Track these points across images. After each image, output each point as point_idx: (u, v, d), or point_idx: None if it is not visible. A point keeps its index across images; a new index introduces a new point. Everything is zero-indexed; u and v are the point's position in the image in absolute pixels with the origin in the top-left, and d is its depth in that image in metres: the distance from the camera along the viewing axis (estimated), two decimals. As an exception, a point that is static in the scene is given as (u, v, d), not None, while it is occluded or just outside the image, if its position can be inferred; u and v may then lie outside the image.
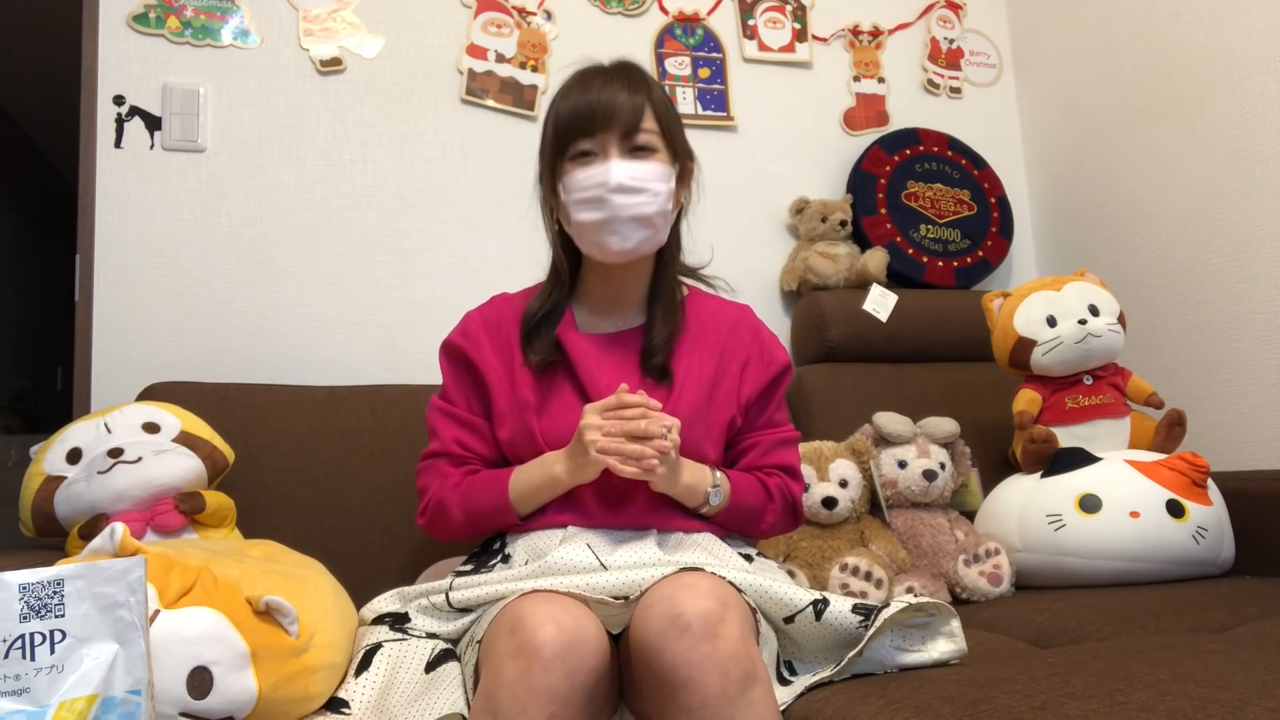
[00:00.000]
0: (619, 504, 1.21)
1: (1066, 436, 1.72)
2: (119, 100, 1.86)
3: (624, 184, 1.19)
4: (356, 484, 1.64)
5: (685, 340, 1.31)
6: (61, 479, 1.36)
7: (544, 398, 1.26)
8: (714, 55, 2.26)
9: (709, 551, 1.20)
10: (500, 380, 1.28)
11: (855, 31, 2.39)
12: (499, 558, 1.23)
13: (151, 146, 1.87)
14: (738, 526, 1.28)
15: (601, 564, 1.12)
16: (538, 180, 1.31)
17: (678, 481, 1.19)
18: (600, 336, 1.30)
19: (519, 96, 2.08)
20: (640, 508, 1.21)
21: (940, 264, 2.24)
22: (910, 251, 2.22)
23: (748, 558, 1.25)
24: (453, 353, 1.33)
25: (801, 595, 1.09)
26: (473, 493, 1.23)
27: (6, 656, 0.78)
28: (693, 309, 1.34)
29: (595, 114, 1.21)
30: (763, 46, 2.30)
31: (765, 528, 1.29)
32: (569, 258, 1.32)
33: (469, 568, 1.24)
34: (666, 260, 1.32)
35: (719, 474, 1.24)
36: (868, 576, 1.50)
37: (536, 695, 0.90)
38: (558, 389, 1.26)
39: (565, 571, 1.11)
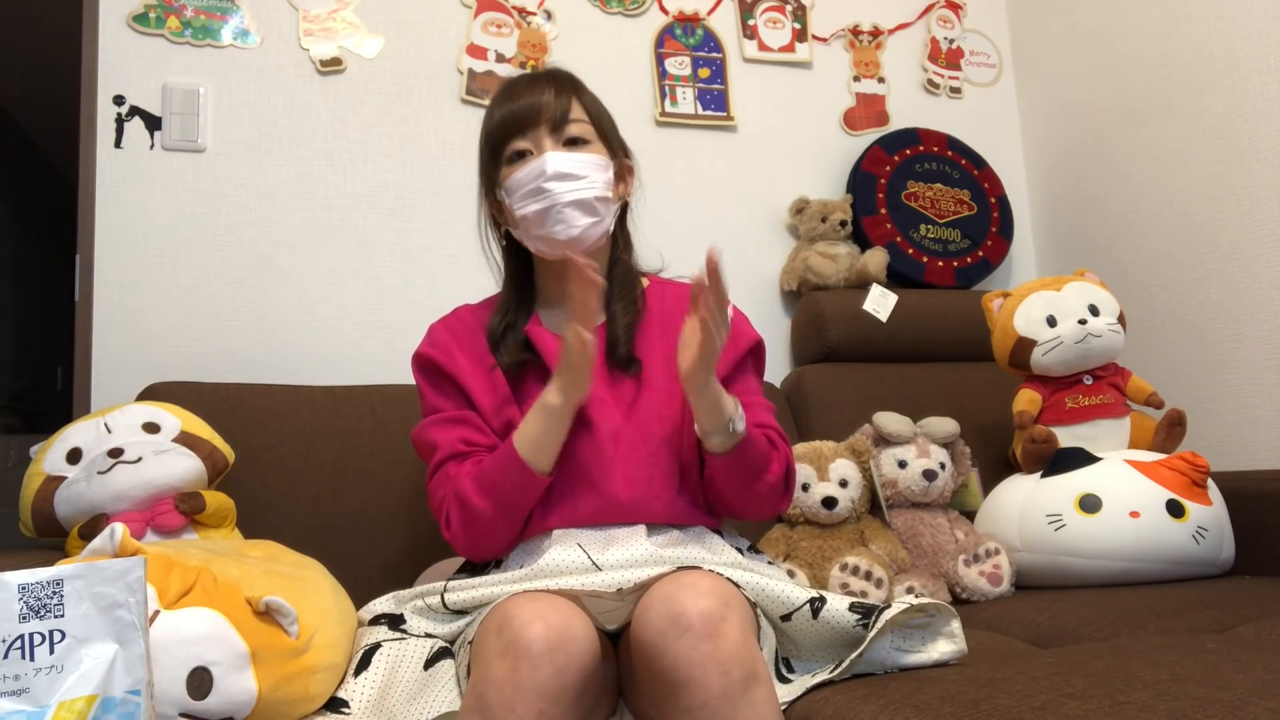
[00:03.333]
0: (604, 496, 1.18)
1: (1066, 436, 1.72)
2: (119, 100, 1.86)
3: (561, 171, 1.20)
4: (356, 484, 1.64)
5: (650, 328, 1.29)
6: (61, 479, 1.36)
7: (522, 397, 1.24)
8: (714, 55, 2.26)
9: (703, 545, 1.20)
10: (478, 381, 1.26)
11: (855, 31, 2.39)
12: (493, 563, 1.23)
13: (151, 146, 1.87)
14: (741, 477, 1.20)
15: (595, 565, 1.12)
16: (479, 200, 1.32)
17: (709, 381, 1.13)
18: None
19: (519, 96, 2.08)
20: (625, 499, 1.18)
21: (940, 264, 2.24)
22: (910, 251, 2.22)
23: (738, 553, 1.24)
24: (424, 363, 1.29)
25: (799, 593, 1.09)
26: (485, 473, 1.18)
27: (6, 657, 0.78)
28: (655, 297, 1.33)
29: (524, 113, 1.23)
30: (763, 46, 2.30)
31: (770, 481, 1.21)
32: (522, 267, 1.33)
33: (463, 574, 1.24)
34: (618, 254, 1.32)
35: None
36: (868, 576, 1.50)
37: (525, 693, 0.90)
38: (532, 387, 1.24)
39: (559, 574, 1.11)
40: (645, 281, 1.36)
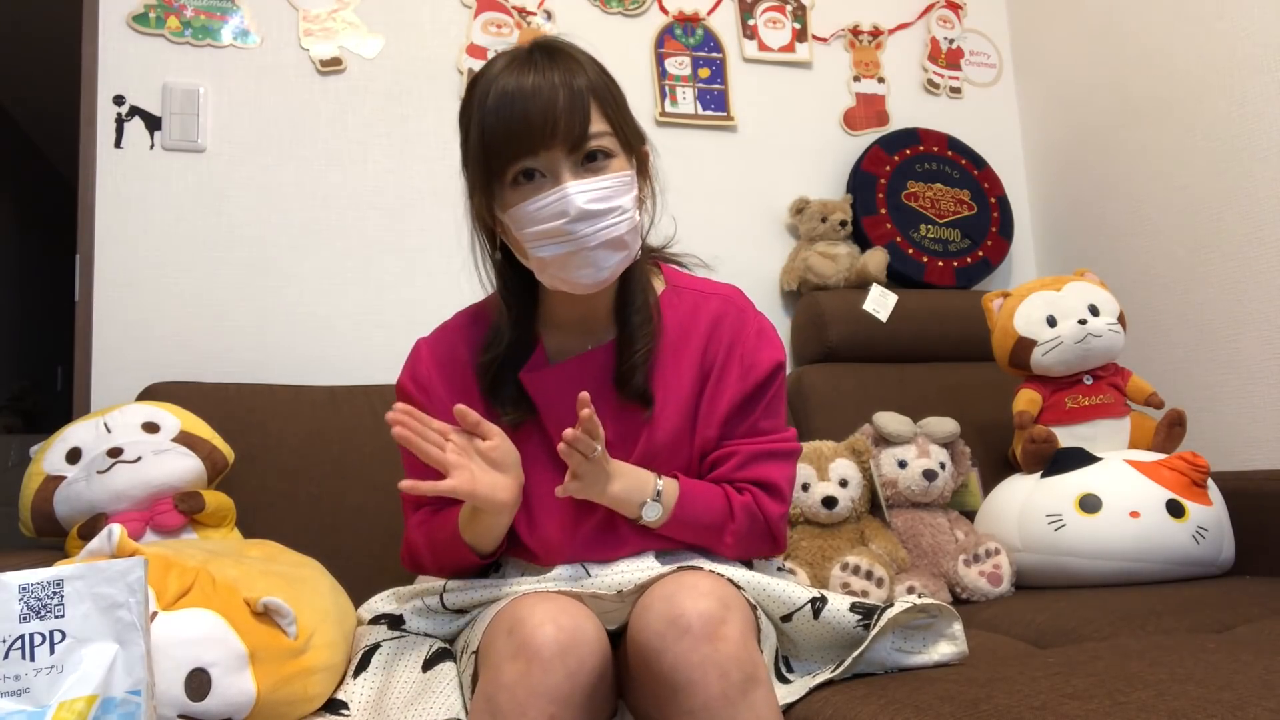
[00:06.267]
0: (608, 535, 1.13)
1: (1066, 436, 1.72)
2: (119, 100, 1.86)
3: (586, 210, 1.02)
4: (356, 484, 1.64)
5: (663, 352, 1.15)
6: (61, 479, 1.37)
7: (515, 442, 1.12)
8: (714, 55, 2.26)
9: (710, 555, 1.19)
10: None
11: (855, 31, 2.39)
12: (492, 568, 1.21)
13: (151, 146, 1.87)
14: (694, 540, 1.14)
15: (590, 576, 1.11)
16: (467, 197, 1.12)
17: (605, 491, 1.07)
18: (570, 363, 1.15)
19: (519, 96, 2.08)
20: (630, 539, 1.13)
21: (940, 264, 2.24)
22: (910, 251, 2.22)
23: (747, 564, 1.24)
24: (403, 396, 1.18)
25: (800, 593, 1.08)
26: (434, 540, 1.14)
27: (6, 657, 0.78)
28: (669, 308, 1.18)
29: (532, 128, 1.01)
30: (763, 46, 2.30)
31: (725, 549, 1.13)
32: (523, 285, 1.15)
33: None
34: (634, 263, 1.14)
35: (663, 481, 1.10)
36: (869, 575, 1.50)
37: (536, 696, 0.90)
38: (529, 437, 1.14)
39: (559, 579, 1.10)
40: (660, 285, 1.21)
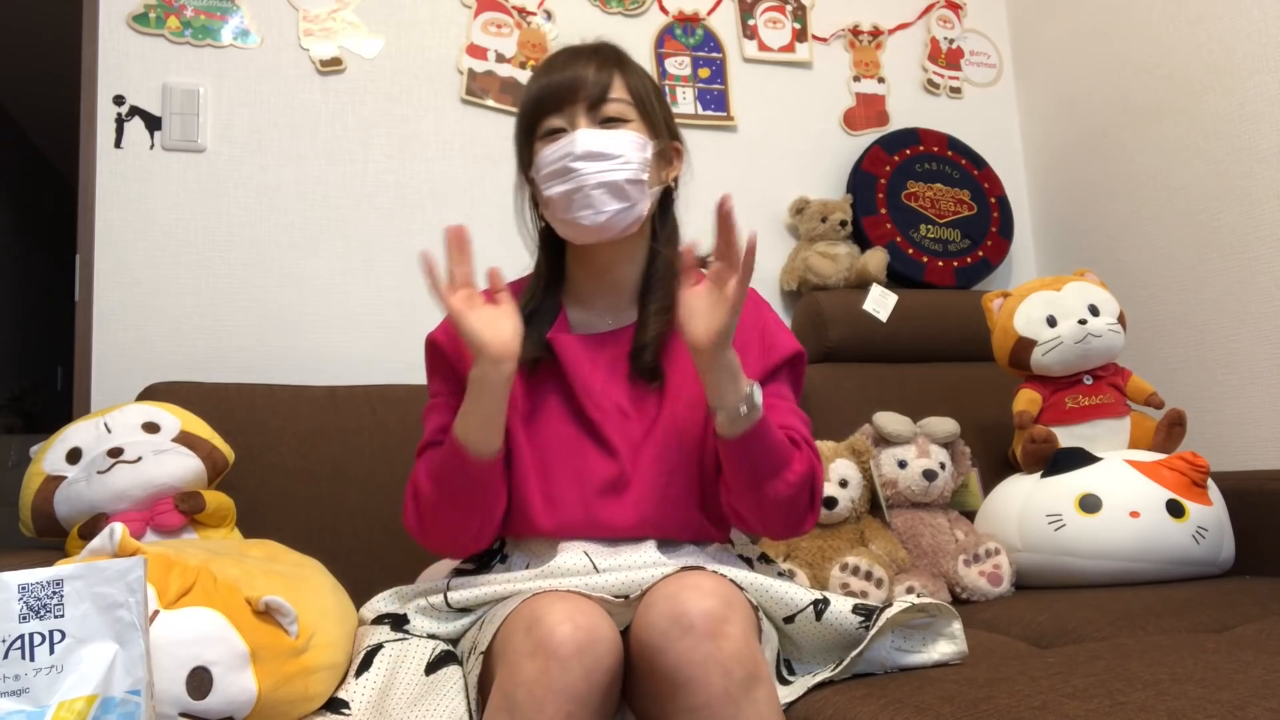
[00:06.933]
0: (616, 512, 1.15)
1: (1066, 436, 1.72)
2: (119, 100, 1.86)
3: (590, 150, 1.12)
4: (356, 484, 1.64)
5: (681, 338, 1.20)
6: (61, 479, 1.37)
7: (532, 404, 1.20)
8: (714, 55, 2.26)
9: (710, 556, 1.19)
10: None
11: (855, 31, 2.39)
12: (497, 558, 1.22)
13: (151, 146, 1.87)
14: (755, 472, 1.10)
15: (596, 568, 1.11)
16: (517, 178, 1.26)
17: (721, 356, 1.04)
18: (593, 337, 1.22)
19: (519, 96, 2.08)
20: (637, 517, 1.15)
21: (940, 264, 2.24)
22: (910, 251, 2.22)
23: (749, 563, 1.24)
24: (432, 347, 1.25)
25: (802, 595, 1.08)
26: (434, 456, 1.15)
27: (6, 657, 0.77)
28: None
29: (560, 89, 1.16)
30: (763, 46, 2.30)
31: (792, 480, 1.10)
32: (554, 254, 1.26)
33: (470, 566, 1.24)
34: (658, 246, 1.23)
35: (755, 388, 1.08)
36: (868, 576, 1.50)
37: (555, 694, 0.90)
38: (546, 393, 1.20)
39: (562, 574, 1.10)
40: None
